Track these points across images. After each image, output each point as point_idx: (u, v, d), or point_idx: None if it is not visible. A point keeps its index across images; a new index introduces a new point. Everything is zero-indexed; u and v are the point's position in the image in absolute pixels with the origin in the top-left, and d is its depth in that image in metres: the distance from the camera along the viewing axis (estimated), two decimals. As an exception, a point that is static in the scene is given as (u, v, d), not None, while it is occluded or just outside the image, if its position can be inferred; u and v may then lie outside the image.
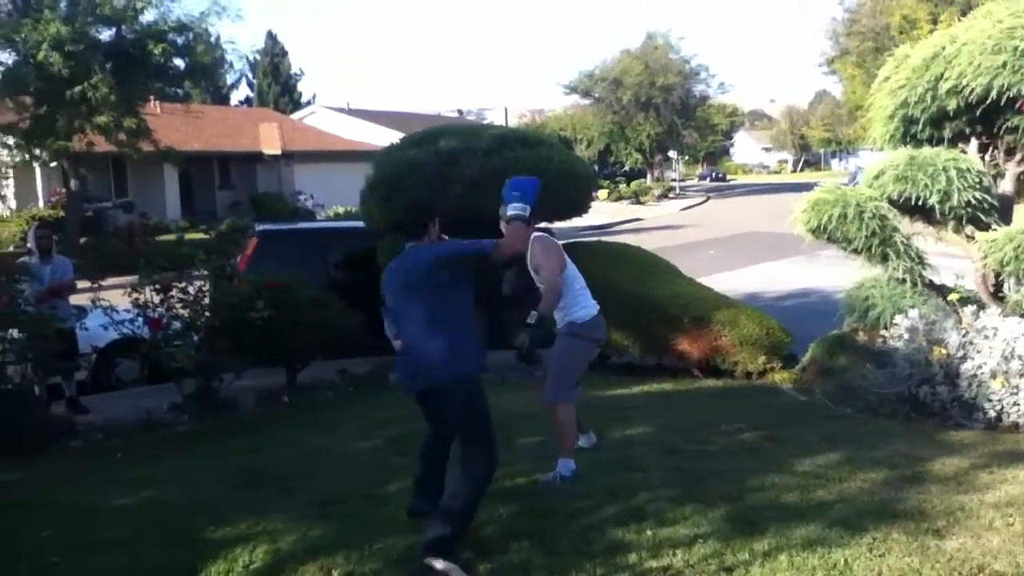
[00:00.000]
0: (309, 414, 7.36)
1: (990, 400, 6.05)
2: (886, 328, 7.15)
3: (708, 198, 46.50)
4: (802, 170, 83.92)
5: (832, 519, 4.02)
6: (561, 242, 9.01)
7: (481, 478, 3.83)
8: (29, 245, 8.18)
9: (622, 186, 45.27)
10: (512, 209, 4.01)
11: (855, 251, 7.38)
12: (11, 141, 20.99)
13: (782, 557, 3.60)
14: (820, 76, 72.47)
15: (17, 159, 22.11)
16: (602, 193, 39.64)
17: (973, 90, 6.75)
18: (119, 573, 3.89)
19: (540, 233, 5.05)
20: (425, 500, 4.09)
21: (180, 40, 21.02)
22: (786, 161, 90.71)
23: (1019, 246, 6.30)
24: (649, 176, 52.36)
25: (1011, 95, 6.64)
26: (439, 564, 3.60)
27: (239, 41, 63.63)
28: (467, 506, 3.77)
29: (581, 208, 8.92)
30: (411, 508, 4.22)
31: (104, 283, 7.64)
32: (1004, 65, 6.56)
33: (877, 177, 7.29)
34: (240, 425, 7.13)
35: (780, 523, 3.96)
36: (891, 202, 7.25)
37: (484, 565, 3.72)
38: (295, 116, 43.70)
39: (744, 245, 21.21)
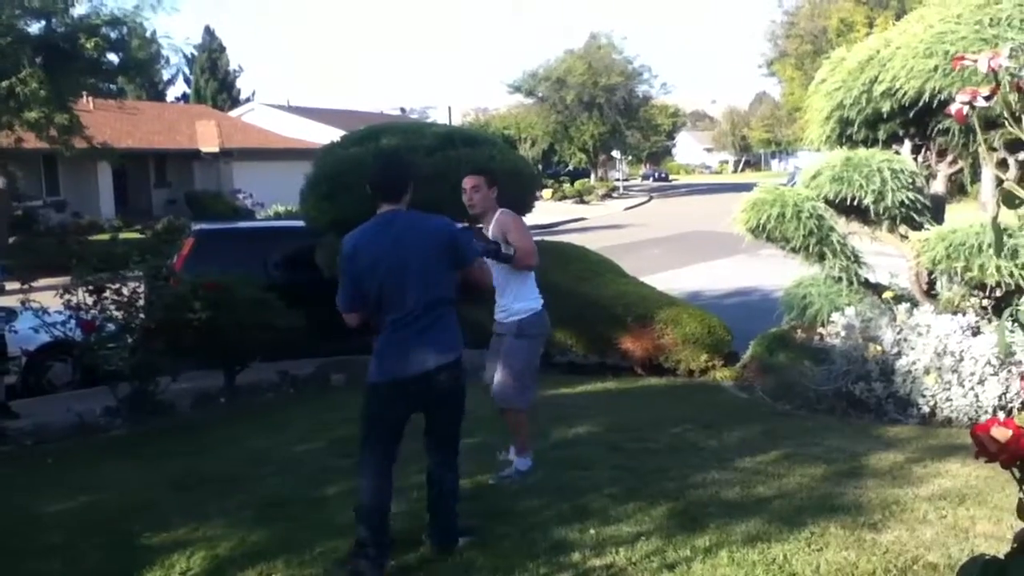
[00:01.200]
0: (249, 417, 7.24)
1: (924, 396, 6.20)
2: (823, 326, 7.28)
3: (651, 198, 46.99)
4: (743, 170, 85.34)
5: (772, 514, 4.07)
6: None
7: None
8: (-46, 246, 7.91)
9: (566, 186, 45.47)
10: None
11: (793, 250, 7.51)
12: (-66, 137, 20.27)
13: (723, 553, 3.63)
14: (760, 78, 73.94)
15: (-60, 156, 21.37)
16: (546, 192, 39.78)
17: (906, 93, 6.91)
18: (50, 582, 3.77)
19: (504, 209, 4.85)
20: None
21: (114, 34, 20.49)
22: (727, 161, 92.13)
23: (951, 245, 6.46)
24: (593, 176, 52.70)
25: (942, 98, 6.81)
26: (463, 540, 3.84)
27: (175, 36, 62.55)
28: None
29: (525, 207, 8.92)
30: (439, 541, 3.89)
31: (35, 284, 7.42)
32: (935, 69, 6.73)
33: (814, 177, 7.43)
34: (177, 429, 6.97)
35: (721, 519, 4.00)
36: (828, 202, 7.39)
37: (427, 566, 3.69)
38: (234, 113, 42.97)
39: (687, 244, 21.46)
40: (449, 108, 51.91)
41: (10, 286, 7.89)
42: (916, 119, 7.22)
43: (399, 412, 3.74)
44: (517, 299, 4.82)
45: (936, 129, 7.25)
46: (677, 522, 4.00)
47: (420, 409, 3.78)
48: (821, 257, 7.46)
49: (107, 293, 7.24)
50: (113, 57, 21.16)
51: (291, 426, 6.64)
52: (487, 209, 4.81)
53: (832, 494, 4.38)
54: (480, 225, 4.87)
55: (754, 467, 4.94)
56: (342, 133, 9.67)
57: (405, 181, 3.81)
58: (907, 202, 7.04)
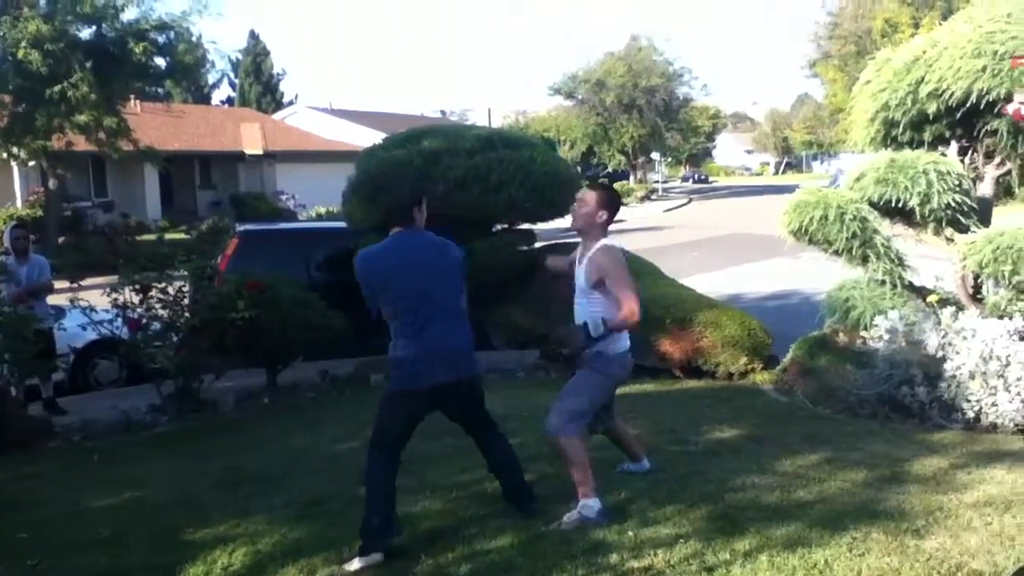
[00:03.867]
0: (290, 415, 7.33)
1: (969, 401, 6.10)
2: (866, 329, 7.19)
3: (691, 200, 46.67)
4: (784, 172, 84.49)
5: (812, 519, 4.03)
6: (544, 244, 9.13)
7: None
8: (5, 245, 8.10)
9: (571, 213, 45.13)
10: None
11: (836, 253, 7.42)
12: (-11, 139, 20.79)
13: (763, 557, 3.60)
14: (802, 79, 72.88)
15: (-6, 158, 21.92)
16: (585, 194, 39.64)
17: (953, 93, 6.80)
18: (99, 573, 3.87)
19: (608, 242, 4.30)
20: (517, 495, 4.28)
21: (161, 39, 20.92)
22: (768, 163, 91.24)
23: (998, 248, 6.35)
24: (632, 178, 52.49)
25: (990, 99, 6.70)
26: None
27: (221, 40, 63.45)
28: None
29: (565, 209, 8.91)
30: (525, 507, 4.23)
31: (83, 283, 7.58)
32: (984, 69, 6.62)
33: (858, 179, 7.34)
34: (220, 426, 7.08)
35: (761, 523, 3.97)
36: (872, 204, 7.30)
37: (466, 566, 3.71)
38: (277, 116, 43.55)
39: (726, 246, 21.30)
40: (489, 110, 52.18)
41: (59, 284, 8.05)
42: (963, 120, 7.10)
43: (419, 416, 4.09)
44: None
45: (984, 130, 7.13)
46: (716, 525, 3.98)
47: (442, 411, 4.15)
48: (864, 260, 7.37)
49: (153, 292, 7.38)
50: (160, 61, 21.59)
51: (331, 425, 6.71)
52: (588, 229, 4.31)
53: (874, 499, 4.32)
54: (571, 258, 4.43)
55: (794, 471, 4.90)
56: (383, 135, 9.76)
57: (410, 209, 4.10)
58: (954, 204, 6.92)
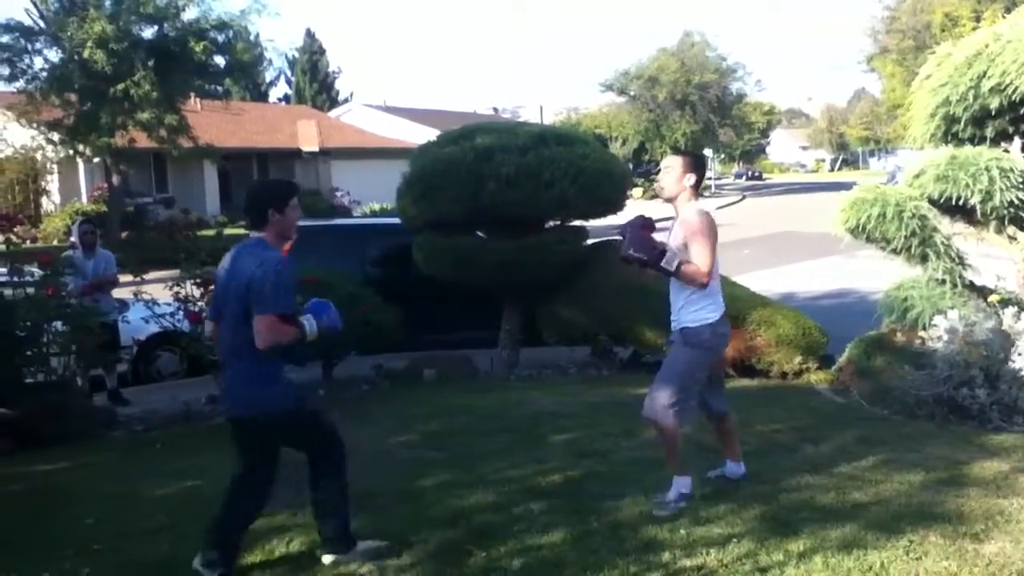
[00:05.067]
0: (345, 408, 7.41)
1: (1031, 403, 5.96)
2: (925, 329, 7.07)
3: (744, 196, 46.15)
4: (839, 169, 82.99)
5: (868, 521, 3.99)
6: (595, 240, 9.12)
7: None
8: (73, 239, 8.34)
9: (656, 184, 44.95)
10: (305, 320, 3.63)
11: (894, 251, 7.31)
12: (56, 137, 21.43)
13: (817, 558, 3.58)
14: (859, 74, 71.74)
15: (61, 155, 22.58)
16: (637, 191, 39.48)
17: (1017, 88, 6.64)
18: (160, 560, 3.96)
19: (704, 208, 4.35)
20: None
21: (220, 38, 21.36)
22: (823, 160, 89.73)
23: (1063, 247, 6.20)
24: (684, 174, 51.96)
25: (1056, 94, 6.54)
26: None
27: (278, 39, 64.50)
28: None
29: (616, 206, 8.90)
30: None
31: (146, 277, 7.77)
32: (1049, 63, 6.45)
33: (917, 176, 7.21)
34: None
35: (815, 524, 3.94)
36: (931, 202, 7.17)
37: (517, 560, 3.73)
38: (333, 113, 44.09)
39: (780, 244, 21.02)
40: (540, 107, 52.14)
41: (123, 278, 8.27)
42: (1028, 116, 6.94)
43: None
44: (687, 309, 4.27)
45: (1049, 126, 6.96)
46: (769, 525, 3.96)
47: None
48: (923, 259, 7.24)
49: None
50: (220, 60, 22.06)
51: (384, 419, 6.79)
52: (678, 195, 4.31)
53: (932, 502, 4.26)
54: (651, 218, 4.32)
55: (849, 472, 4.84)
56: (436, 132, 9.82)
57: (256, 209, 3.61)
58: (1016, 202, 6.76)
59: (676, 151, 4.16)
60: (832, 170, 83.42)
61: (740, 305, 8.20)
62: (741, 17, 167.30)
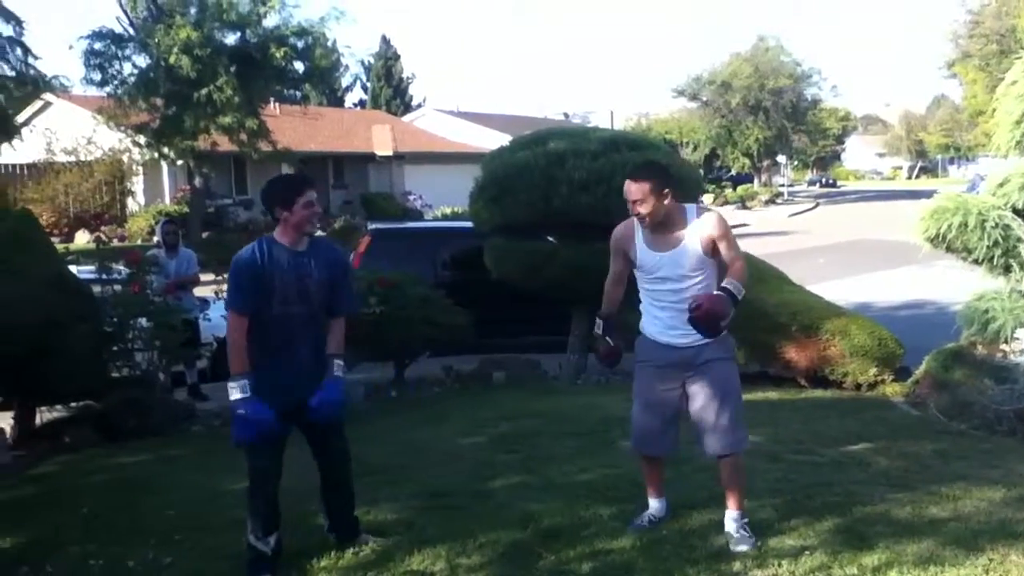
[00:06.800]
0: (416, 409, 7.54)
1: (1120, 421, 5.75)
2: (1006, 342, 6.89)
3: (817, 204, 45.25)
4: (918, 177, 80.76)
5: (946, 537, 3.90)
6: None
7: None
8: (157, 239, 8.64)
9: (728, 191, 44.46)
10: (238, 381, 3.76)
11: (975, 261, 7.13)
12: (142, 140, 22.19)
13: (893, 573, 3.52)
14: (938, 80, 69.48)
15: (147, 157, 23.37)
16: (708, 198, 39.08)
17: (1110, 96, 6.43)
18: (232, 555, 4.04)
19: (698, 207, 3.98)
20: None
21: (300, 44, 21.83)
22: (900, 167, 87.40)
23: None
24: (756, 181, 51.27)
25: None
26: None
27: (354, 45, 65.46)
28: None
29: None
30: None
31: (226, 276, 8.01)
32: None
33: (1002, 185, 7.03)
34: (348, 417, 7.26)
35: (891, 539, 3.87)
36: (1016, 211, 6.98)
37: (586, 564, 3.75)
38: (406, 118, 44.63)
39: (856, 253, 20.58)
40: (611, 113, 52.07)
41: (205, 277, 8.54)
42: (1120, 124, 6.70)
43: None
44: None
45: None
46: (843, 538, 3.90)
47: None
48: (1007, 269, 7.05)
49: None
50: (299, 65, 22.54)
51: (453, 420, 6.87)
52: (669, 211, 3.83)
53: (1013, 520, 4.14)
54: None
55: (926, 487, 4.74)
56: (508, 137, 9.91)
57: (267, 207, 3.87)
58: (1108, 214, 6.54)
59: (634, 175, 3.71)
60: (910, 178, 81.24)
61: (814, 314, 8.09)
62: (817, 21, 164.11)
